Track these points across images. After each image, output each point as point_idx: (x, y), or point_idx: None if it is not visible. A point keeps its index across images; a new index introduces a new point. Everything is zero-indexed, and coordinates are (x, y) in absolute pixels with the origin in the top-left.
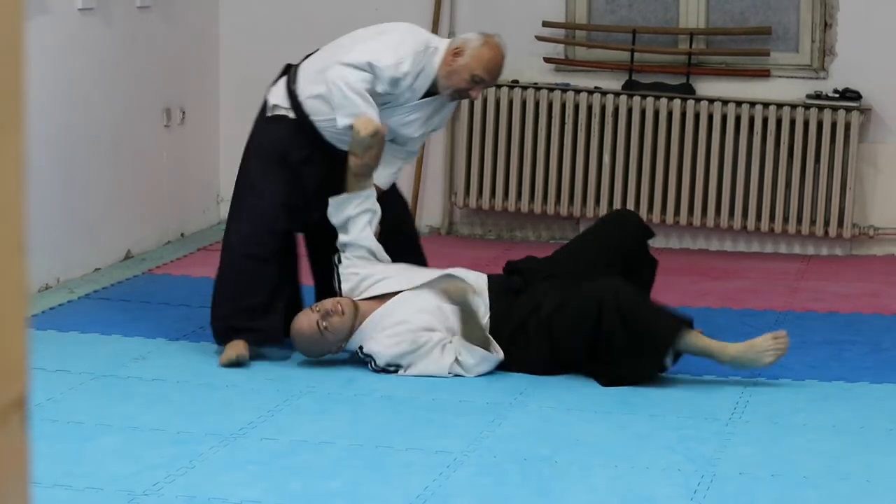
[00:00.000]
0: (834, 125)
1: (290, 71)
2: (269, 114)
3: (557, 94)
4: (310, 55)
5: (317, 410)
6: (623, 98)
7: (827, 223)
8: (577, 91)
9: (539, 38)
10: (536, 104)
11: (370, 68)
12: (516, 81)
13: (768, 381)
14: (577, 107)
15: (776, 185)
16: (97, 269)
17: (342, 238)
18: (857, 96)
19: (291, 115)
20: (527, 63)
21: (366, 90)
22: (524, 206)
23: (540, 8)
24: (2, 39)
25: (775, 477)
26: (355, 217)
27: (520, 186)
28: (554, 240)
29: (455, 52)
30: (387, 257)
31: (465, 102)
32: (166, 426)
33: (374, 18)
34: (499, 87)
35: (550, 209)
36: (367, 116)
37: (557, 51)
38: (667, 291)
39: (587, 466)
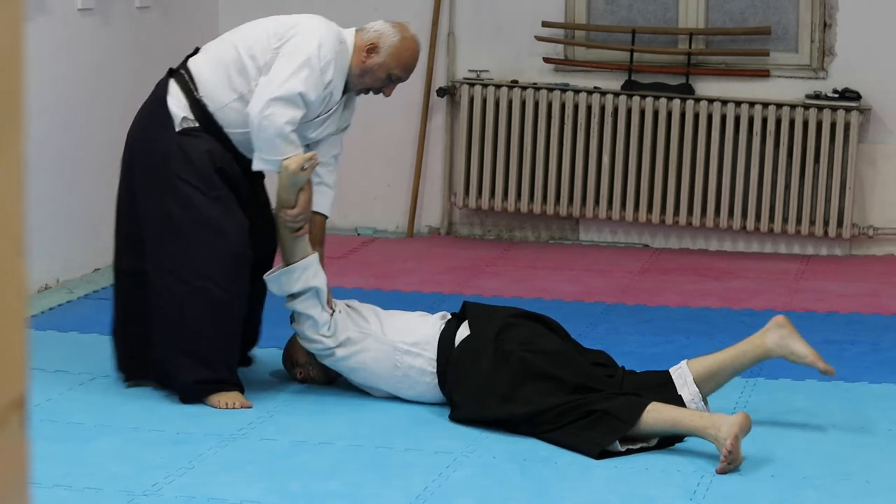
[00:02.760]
0: (833, 125)
1: (181, 76)
2: (177, 128)
3: (557, 94)
4: (194, 53)
5: (316, 411)
6: (622, 98)
7: (826, 223)
8: (577, 91)
9: (538, 39)
10: (536, 104)
11: (302, 100)
12: (516, 81)
13: (768, 381)
14: (576, 107)
15: (776, 185)
16: (97, 270)
17: (290, 304)
18: (856, 96)
19: (201, 127)
20: (526, 63)
21: (292, 130)
22: (524, 206)
23: (539, 8)
24: (2, 39)
25: (775, 477)
26: (300, 296)
27: (519, 186)
28: (553, 240)
29: (369, 49)
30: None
31: (465, 106)
32: (166, 426)
33: (373, 19)
34: (498, 87)
35: (550, 209)
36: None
37: (557, 51)
38: (667, 291)
39: (587, 466)
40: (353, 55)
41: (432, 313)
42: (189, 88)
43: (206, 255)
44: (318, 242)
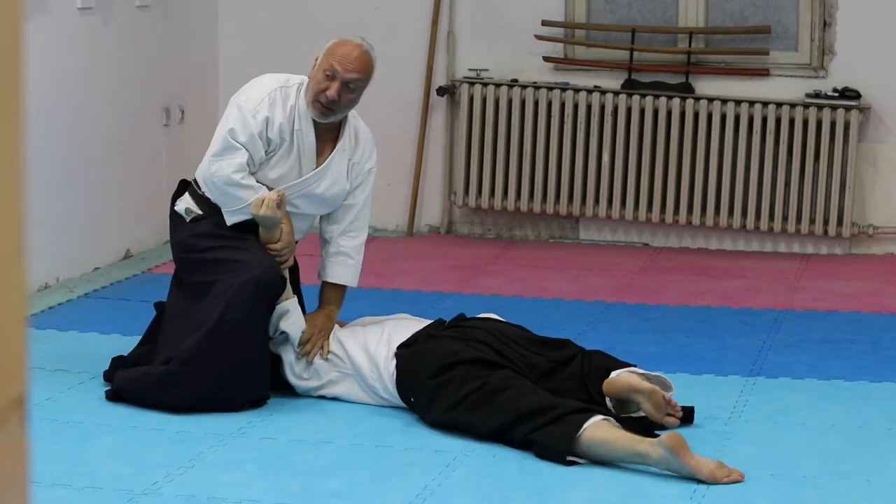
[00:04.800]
0: (833, 124)
1: (190, 184)
2: (188, 218)
3: (557, 93)
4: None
5: (316, 410)
6: (622, 97)
7: (826, 222)
8: (577, 90)
9: (538, 38)
10: (536, 103)
11: (233, 138)
12: (515, 80)
13: (768, 380)
14: (576, 106)
15: (776, 184)
16: (96, 269)
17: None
18: (856, 95)
19: (206, 214)
20: (526, 62)
21: (243, 177)
22: (524, 206)
23: (539, 7)
24: (2, 39)
25: (775, 477)
26: (277, 341)
27: (519, 185)
28: (553, 239)
29: (314, 65)
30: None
31: (465, 105)
32: (165, 426)
33: (373, 18)
34: (498, 86)
35: (550, 208)
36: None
37: (557, 50)
38: (667, 291)
39: (587, 466)
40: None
41: (432, 311)
42: (193, 190)
43: (232, 288)
44: (336, 304)
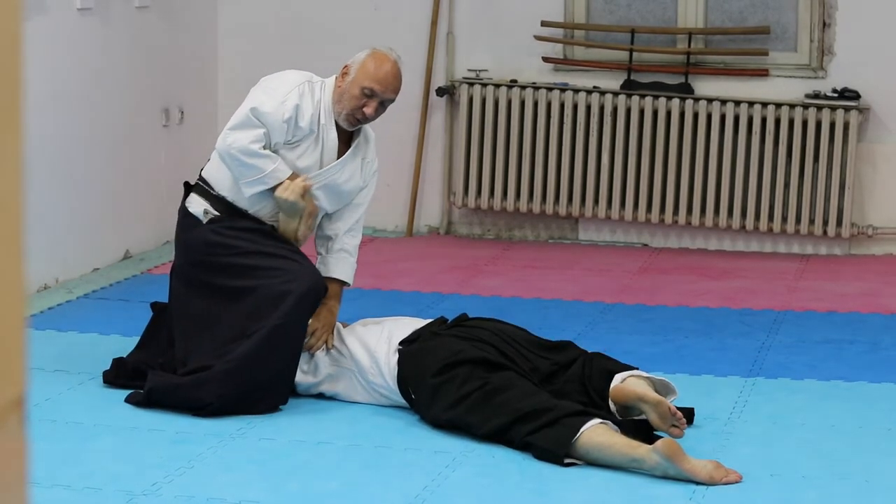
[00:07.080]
0: (833, 125)
1: (198, 185)
2: (205, 221)
3: (556, 93)
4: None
5: (315, 410)
6: (622, 98)
7: (826, 223)
8: (576, 91)
9: (538, 38)
10: (535, 104)
11: (256, 116)
12: (515, 81)
13: (767, 380)
14: (575, 106)
15: (775, 184)
16: (96, 270)
17: None
18: (855, 96)
19: (224, 215)
20: (525, 63)
21: (261, 148)
22: (523, 206)
23: (538, 7)
24: (2, 39)
25: (775, 477)
26: None
27: (518, 186)
28: (553, 239)
29: (343, 74)
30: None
31: (464, 106)
32: (165, 426)
33: (373, 18)
34: (497, 86)
35: (549, 209)
36: (280, 180)
37: (556, 50)
38: (666, 291)
39: (587, 466)
40: (333, 87)
41: (431, 312)
42: (205, 190)
43: (292, 296)
44: (336, 300)
